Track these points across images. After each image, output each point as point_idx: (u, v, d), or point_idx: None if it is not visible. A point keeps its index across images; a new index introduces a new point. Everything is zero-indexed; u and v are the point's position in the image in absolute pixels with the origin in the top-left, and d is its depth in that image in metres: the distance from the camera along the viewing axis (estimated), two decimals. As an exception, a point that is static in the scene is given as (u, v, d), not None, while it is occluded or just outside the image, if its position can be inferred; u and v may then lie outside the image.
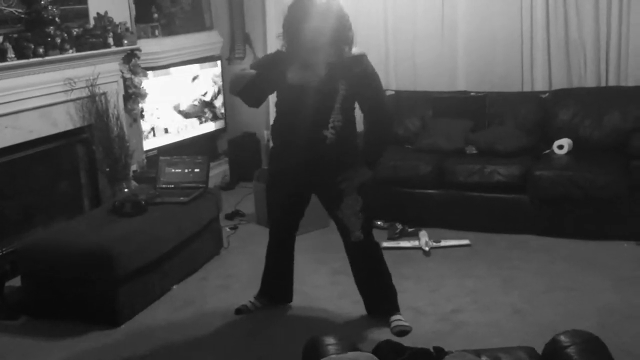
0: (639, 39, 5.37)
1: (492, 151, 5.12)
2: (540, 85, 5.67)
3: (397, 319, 3.61)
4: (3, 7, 4.26)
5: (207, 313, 3.92)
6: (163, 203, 4.35)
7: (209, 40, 6.31)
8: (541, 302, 3.85)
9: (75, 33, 4.68)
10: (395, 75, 6.17)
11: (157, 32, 5.68)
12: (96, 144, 4.94)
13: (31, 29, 4.36)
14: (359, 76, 3.39)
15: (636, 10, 5.34)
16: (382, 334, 3.44)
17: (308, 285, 4.16)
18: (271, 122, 3.76)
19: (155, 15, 5.72)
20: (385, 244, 4.64)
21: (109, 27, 4.93)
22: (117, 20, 5.02)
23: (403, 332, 3.53)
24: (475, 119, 5.48)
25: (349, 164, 3.48)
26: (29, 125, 4.45)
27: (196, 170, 4.63)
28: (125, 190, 4.92)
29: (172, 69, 5.81)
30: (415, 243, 4.75)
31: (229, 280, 4.37)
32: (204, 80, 6.17)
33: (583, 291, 3.95)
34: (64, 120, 4.72)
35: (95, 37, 4.82)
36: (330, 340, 2.30)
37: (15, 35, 4.27)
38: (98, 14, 4.93)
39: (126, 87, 5.22)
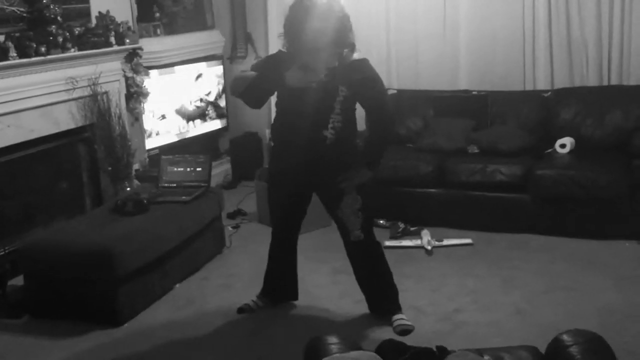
0: (640, 38, 5.38)
1: (494, 150, 5.12)
2: (542, 84, 5.67)
3: (400, 318, 3.61)
4: (5, 6, 4.26)
5: (209, 312, 3.92)
6: (165, 202, 4.35)
7: (211, 39, 6.31)
8: (542, 302, 3.85)
9: (77, 32, 4.68)
10: (396, 74, 6.17)
11: (159, 31, 5.69)
12: (98, 143, 4.95)
13: (33, 28, 4.37)
14: (359, 80, 3.40)
15: (638, 9, 5.34)
16: (384, 333, 3.44)
17: (309, 284, 4.16)
18: (272, 121, 3.76)
19: (157, 15, 5.72)
20: (387, 243, 4.65)
21: (111, 26, 4.93)
22: (119, 20, 5.02)
23: (406, 331, 3.53)
24: (477, 118, 5.48)
25: (349, 164, 3.49)
26: (31, 124, 4.45)
27: (198, 169, 4.63)
28: (127, 189, 4.92)
29: (176, 68, 5.81)
30: (417, 242, 4.75)
31: (231, 279, 4.37)
32: (207, 79, 6.17)
33: (584, 291, 3.95)
34: (65, 120, 4.73)
35: (97, 36, 4.83)
36: (332, 340, 2.30)
37: (17, 34, 4.28)
38: (100, 13, 4.94)
39: (128, 86, 5.22)
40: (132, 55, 5.18)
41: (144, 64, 5.33)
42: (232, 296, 4.07)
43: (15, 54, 4.18)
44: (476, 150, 5.23)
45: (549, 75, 5.67)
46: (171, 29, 5.90)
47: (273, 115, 3.73)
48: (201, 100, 6.12)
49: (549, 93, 5.50)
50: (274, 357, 3.43)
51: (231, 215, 5.49)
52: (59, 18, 4.47)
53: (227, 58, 6.59)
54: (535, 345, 2.40)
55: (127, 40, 5.06)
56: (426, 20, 6.00)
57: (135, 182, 5.12)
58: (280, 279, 3.91)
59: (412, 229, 4.96)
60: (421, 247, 4.69)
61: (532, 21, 5.64)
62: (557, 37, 5.60)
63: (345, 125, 3.44)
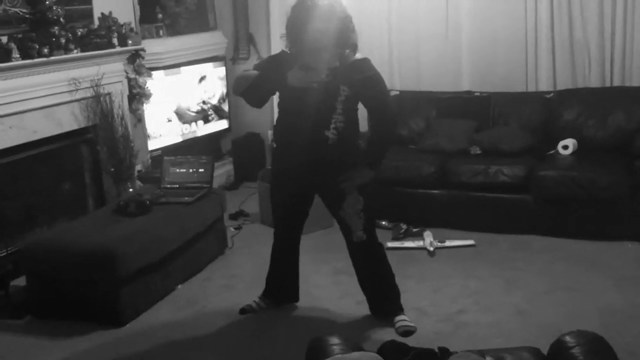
0: (643, 39, 5.38)
1: (497, 151, 5.12)
2: (544, 86, 5.67)
3: (402, 319, 3.61)
4: (8, 8, 4.26)
5: (211, 313, 3.93)
6: (167, 203, 4.36)
7: (213, 40, 6.32)
8: (544, 303, 3.85)
9: (79, 33, 4.68)
10: (399, 75, 6.17)
11: (161, 33, 5.69)
12: (101, 144, 4.95)
13: (36, 29, 4.37)
14: (361, 81, 3.40)
15: (641, 10, 5.35)
16: (386, 334, 3.44)
17: (312, 285, 4.16)
18: (275, 122, 3.76)
19: (160, 16, 5.73)
20: (389, 244, 4.65)
21: (114, 28, 4.93)
22: (121, 21, 5.02)
23: (408, 332, 3.53)
24: (479, 119, 5.48)
25: (351, 164, 3.49)
26: (34, 126, 4.46)
27: (200, 170, 4.64)
28: (130, 190, 4.93)
29: (180, 69, 5.82)
30: (419, 243, 4.75)
31: (233, 280, 4.37)
32: (211, 82, 6.17)
33: (586, 291, 3.95)
34: (68, 121, 4.73)
35: (99, 37, 4.83)
36: (334, 340, 2.30)
37: (19, 36, 4.28)
38: (102, 14, 4.94)
39: (131, 88, 5.22)
40: (134, 57, 5.18)
41: (147, 65, 5.33)
42: (234, 297, 4.08)
43: (18, 55, 4.18)
44: (478, 151, 5.23)
45: (551, 77, 5.67)
46: (174, 30, 5.90)
47: (275, 116, 3.73)
48: (204, 102, 6.12)
49: (551, 94, 5.50)
50: (275, 358, 3.43)
51: (233, 216, 5.50)
52: (61, 19, 4.47)
53: (230, 59, 6.60)
54: (537, 346, 2.40)
55: (130, 42, 5.06)
56: (428, 21, 6.00)
57: (138, 183, 5.13)
58: (282, 280, 3.91)
59: (414, 230, 4.97)
60: (423, 248, 4.69)
61: (534, 22, 5.64)
62: (560, 38, 5.60)
63: (347, 125, 3.45)
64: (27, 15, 4.36)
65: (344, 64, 3.41)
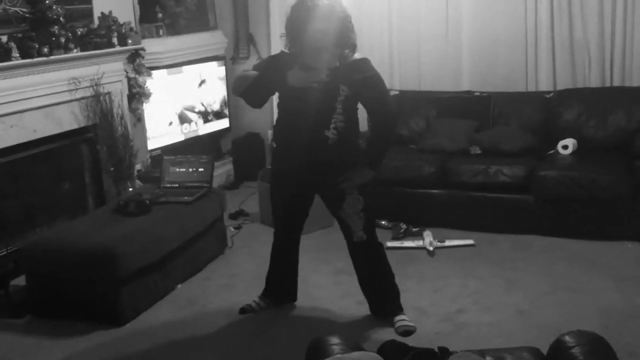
0: (643, 39, 5.38)
1: (497, 151, 5.12)
2: (544, 86, 5.67)
3: (402, 319, 3.61)
4: (8, 7, 4.26)
5: (211, 313, 3.93)
6: (167, 202, 4.35)
7: (213, 40, 6.31)
8: (544, 303, 3.85)
9: (79, 33, 4.68)
10: (399, 75, 6.17)
11: (161, 32, 5.69)
12: (100, 143, 4.95)
13: (36, 29, 4.37)
14: (362, 81, 3.39)
15: (641, 10, 5.35)
16: (386, 334, 3.44)
17: (311, 285, 4.16)
18: (274, 122, 3.76)
19: (160, 15, 5.72)
20: (389, 244, 4.65)
21: (114, 27, 4.93)
22: (121, 20, 5.02)
23: (407, 332, 3.53)
24: (480, 119, 5.48)
25: (351, 164, 3.49)
26: (33, 125, 4.46)
27: (200, 169, 4.64)
28: (130, 189, 4.93)
29: (181, 68, 5.82)
30: (419, 243, 4.75)
31: (233, 279, 4.37)
32: (211, 84, 6.16)
33: (586, 292, 3.95)
34: (68, 120, 4.73)
35: (99, 36, 4.83)
36: (334, 340, 2.30)
37: (19, 35, 4.28)
38: (102, 13, 4.94)
39: (130, 87, 5.22)
40: (134, 56, 5.18)
41: (147, 65, 5.33)
42: (234, 296, 4.07)
43: (17, 55, 4.18)
44: (478, 151, 5.23)
45: (551, 76, 5.67)
46: (174, 30, 5.90)
47: (275, 116, 3.73)
48: (203, 105, 6.12)
49: (551, 94, 5.50)
50: (275, 358, 3.43)
51: (233, 216, 5.50)
52: (61, 19, 4.47)
53: (230, 59, 6.59)
54: (537, 346, 2.40)
55: (130, 41, 5.06)
56: (428, 21, 5.99)
57: (138, 182, 5.12)
58: (282, 280, 3.91)
59: (414, 229, 4.97)
60: (423, 248, 4.68)
61: (534, 22, 5.64)
62: (560, 38, 5.60)
63: (347, 125, 3.45)
64: (27, 15, 4.36)
65: (344, 64, 3.41)
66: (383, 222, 4.97)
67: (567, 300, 3.86)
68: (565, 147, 5.11)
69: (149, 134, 5.52)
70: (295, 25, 3.38)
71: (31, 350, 3.59)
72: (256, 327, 3.74)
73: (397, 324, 3.58)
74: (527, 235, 4.80)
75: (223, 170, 6.46)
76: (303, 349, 2.41)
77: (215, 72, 6.23)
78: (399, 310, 3.67)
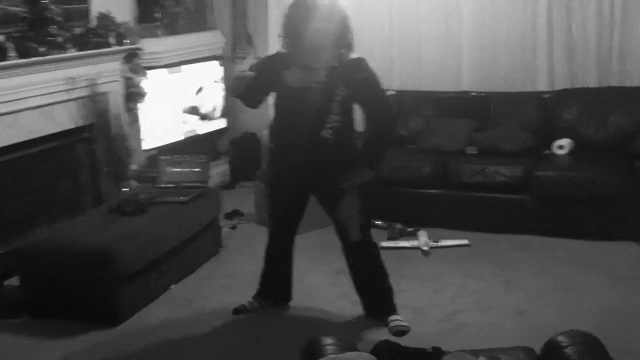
0: (641, 39, 5.37)
1: (496, 151, 5.11)
2: (543, 86, 5.66)
3: (396, 319, 3.60)
4: (5, 7, 4.25)
5: (206, 313, 3.92)
6: (163, 202, 4.34)
7: (212, 40, 6.31)
8: (542, 303, 3.84)
9: (77, 32, 4.67)
10: (399, 75, 6.15)
11: (159, 32, 5.68)
12: (97, 143, 4.94)
13: (33, 28, 4.36)
14: (359, 81, 3.39)
15: (639, 11, 5.33)
16: (380, 334, 3.43)
17: (306, 285, 4.15)
18: (270, 122, 3.75)
19: (158, 15, 5.71)
20: (384, 244, 4.63)
21: (111, 27, 4.93)
22: (119, 20, 5.01)
23: (401, 332, 3.51)
24: (479, 119, 5.48)
25: (349, 164, 3.48)
26: (30, 124, 4.45)
27: (196, 169, 4.63)
28: (126, 189, 4.91)
29: (182, 67, 5.83)
30: (414, 243, 4.74)
31: (229, 279, 4.36)
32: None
33: (585, 292, 3.94)
34: (65, 120, 4.72)
35: (97, 36, 4.82)
36: (328, 341, 2.29)
37: (17, 35, 4.27)
38: (100, 13, 4.93)
39: (127, 87, 5.21)
40: (131, 56, 5.18)
41: (145, 65, 5.32)
42: (230, 296, 4.06)
43: (15, 54, 4.17)
44: (474, 152, 5.22)
45: (549, 77, 5.66)
46: (172, 30, 5.89)
47: (272, 116, 3.72)
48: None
49: (550, 94, 5.49)
50: (270, 358, 3.42)
51: (229, 216, 5.48)
52: (59, 18, 4.46)
53: (228, 58, 6.59)
54: (535, 346, 2.39)
55: (127, 41, 5.05)
56: (428, 21, 5.98)
57: (134, 182, 5.11)
58: (276, 280, 3.90)
59: (409, 229, 4.95)
60: (418, 248, 4.67)
61: (533, 22, 5.63)
62: (558, 38, 5.58)
63: (344, 125, 3.44)
64: (24, 14, 4.34)
65: (341, 63, 3.40)
66: (378, 222, 4.96)
67: (565, 300, 3.85)
68: (561, 147, 5.10)
69: (146, 133, 5.50)
70: (294, 25, 3.37)
71: (27, 351, 3.58)
72: (251, 327, 3.73)
73: (391, 324, 3.57)
74: (526, 235, 4.79)
75: (219, 170, 6.45)
76: (297, 349, 2.40)
77: (213, 72, 6.21)
78: (393, 310, 3.66)
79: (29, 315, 3.91)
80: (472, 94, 5.70)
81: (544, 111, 5.39)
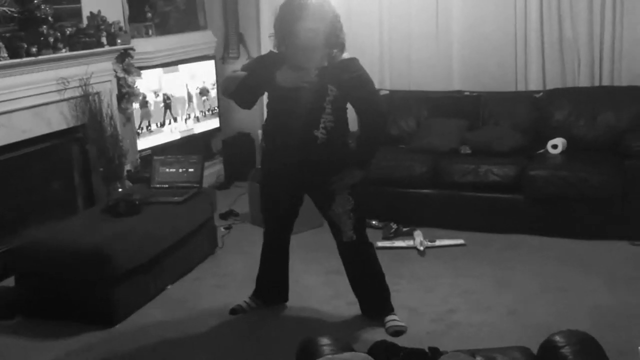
0: (632, 38, 5.40)
1: (488, 151, 5.12)
2: (534, 85, 5.68)
3: (392, 319, 3.61)
4: (-4, 6, 4.24)
5: (202, 313, 3.91)
6: (157, 203, 4.33)
7: (203, 39, 6.30)
8: (536, 302, 3.85)
9: (68, 32, 4.65)
10: (390, 75, 6.17)
11: (150, 32, 5.67)
12: (90, 143, 4.92)
13: (24, 28, 4.34)
14: (350, 81, 3.39)
15: (630, 10, 5.37)
16: (376, 334, 3.44)
17: (302, 285, 4.15)
18: (264, 122, 3.75)
19: (149, 15, 5.70)
20: (379, 244, 4.64)
21: (102, 27, 4.91)
22: (110, 20, 5.00)
23: (398, 332, 3.52)
24: (470, 119, 5.49)
25: (341, 163, 3.48)
26: (22, 125, 4.43)
27: (190, 170, 4.62)
28: (120, 190, 4.90)
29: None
30: (410, 243, 4.75)
31: (224, 280, 4.36)
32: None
33: (577, 291, 3.96)
34: (57, 120, 4.71)
35: (88, 36, 4.80)
36: (324, 341, 2.29)
37: (8, 35, 4.25)
38: (91, 13, 4.91)
39: (120, 87, 5.20)
40: (123, 56, 5.16)
41: (136, 65, 5.30)
42: (225, 297, 4.06)
43: (6, 55, 4.15)
44: (468, 151, 5.23)
45: (541, 76, 5.68)
46: (163, 30, 5.88)
47: (265, 116, 3.72)
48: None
49: (541, 94, 5.51)
50: (267, 358, 3.42)
51: (223, 216, 5.48)
52: (50, 18, 4.44)
53: (220, 58, 6.58)
54: (529, 345, 2.40)
55: (119, 41, 5.04)
56: (419, 20, 5.99)
57: (127, 182, 5.10)
58: (273, 280, 3.90)
59: (404, 229, 4.96)
60: (413, 247, 4.68)
61: (524, 22, 5.65)
62: (549, 38, 5.61)
63: (337, 125, 3.44)
64: (15, 14, 4.32)
65: (332, 63, 3.40)
66: (374, 222, 4.97)
67: (558, 300, 3.87)
68: (554, 146, 5.12)
69: (140, 132, 5.50)
70: (285, 25, 3.37)
71: (22, 352, 3.57)
72: (247, 327, 3.73)
73: (388, 324, 3.58)
74: (518, 235, 4.81)
75: (213, 170, 6.45)
76: (293, 350, 2.40)
77: (207, 72, 6.20)
78: (390, 310, 3.67)
79: (23, 315, 3.90)
80: (466, 93, 5.71)
81: (536, 111, 5.40)
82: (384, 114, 3.67)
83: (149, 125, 5.55)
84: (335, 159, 3.47)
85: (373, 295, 3.71)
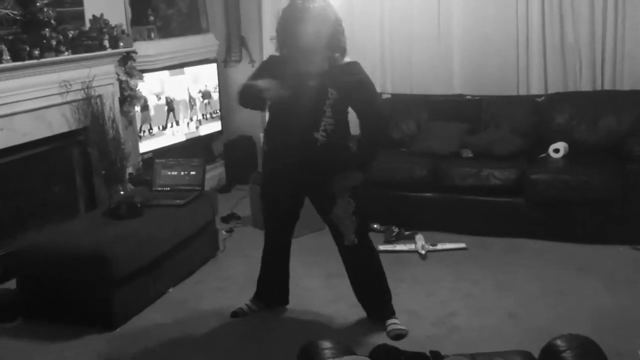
0: (634, 42, 5.40)
1: (488, 154, 5.12)
2: (535, 89, 5.68)
3: (393, 323, 3.61)
4: (-1, 9, 4.25)
5: (203, 316, 3.91)
6: (159, 206, 4.34)
7: (205, 43, 6.31)
8: (536, 306, 3.85)
9: (70, 35, 4.66)
10: (391, 78, 6.17)
11: (153, 35, 5.68)
12: (91, 146, 4.93)
13: (27, 31, 4.35)
14: (351, 84, 3.40)
15: (631, 13, 5.37)
16: (378, 338, 3.44)
17: (303, 288, 4.15)
18: (266, 125, 3.76)
19: (152, 18, 5.71)
20: (381, 247, 4.64)
21: (105, 30, 4.92)
22: (112, 23, 5.01)
23: (399, 335, 3.52)
24: (471, 123, 5.49)
25: (341, 164, 3.48)
26: (24, 128, 4.44)
27: (192, 172, 4.63)
28: (121, 192, 4.91)
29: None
30: (411, 246, 4.75)
31: (225, 283, 4.36)
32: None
33: (578, 295, 3.96)
34: (59, 123, 4.71)
35: (90, 39, 4.82)
36: (325, 345, 2.30)
37: (10, 37, 4.26)
38: (94, 16, 4.92)
39: (122, 90, 5.21)
40: (126, 59, 5.17)
41: (138, 68, 5.31)
42: (226, 300, 4.06)
43: (8, 57, 4.16)
44: (470, 155, 5.24)
45: (542, 80, 5.68)
46: (165, 33, 5.89)
47: (267, 119, 3.73)
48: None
49: (543, 97, 5.51)
50: (267, 362, 3.43)
51: (225, 219, 5.49)
52: (52, 21, 4.45)
53: (222, 61, 6.59)
54: (529, 349, 2.40)
55: (121, 44, 5.05)
56: (420, 24, 5.99)
57: (129, 185, 5.11)
58: (273, 283, 3.90)
59: (406, 233, 4.96)
60: (415, 251, 4.68)
61: (525, 26, 5.65)
62: (551, 42, 5.61)
63: (337, 128, 3.44)
64: (18, 17, 4.33)
65: (333, 67, 3.41)
66: (375, 226, 4.97)
67: (558, 304, 3.87)
68: (556, 150, 5.12)
69: (142, 135, 5.51)
70: (286, 27, 3.39)
71: (23, 354, 3.57)
72: (248, 330, 3.73)
73: (389, 328, 3.58)
74: (519, 239, 4.80)
75: (215, 173, 6.45)
76: (294, 353, 2.40)
77: (207, 75, 6.21)
78: (391, 313, 3.67)
79: (24, 318, 3.90)
80: (467, 97, 5.71)
81: (537, 114, 5.40)
82: (385, 117, 3.68)
83: (151, 128, 5.56)
84: (335, 159, 3.47)
85: (375, 298, 3.70)
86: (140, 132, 5.46)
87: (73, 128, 4.83)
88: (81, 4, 4.92)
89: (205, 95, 6.16)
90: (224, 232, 5.18)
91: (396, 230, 4.96)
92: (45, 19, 4.39)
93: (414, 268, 4.47)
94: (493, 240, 4.82)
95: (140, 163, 5.46)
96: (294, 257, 3.91)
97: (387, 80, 6.14)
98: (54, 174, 4.90)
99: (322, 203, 3.59)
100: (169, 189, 4.59)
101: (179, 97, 5.87)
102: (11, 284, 4.07)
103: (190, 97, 6.00)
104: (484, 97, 5.62)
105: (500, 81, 5.79)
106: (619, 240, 4.62)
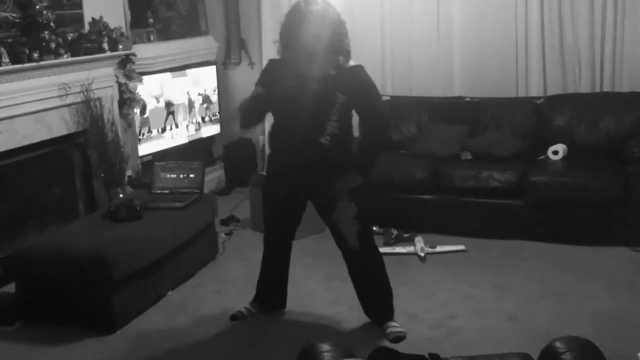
0: (633, 44, 5.40)
1: (488, 156, 5.12)
2: (535, 91, 5.68)
3: (392, 325, 3.60)
4: (-2, 12, 4.25)
5: (202, 319, 3.91)
6: (158, 208, 4.34)
7: (205, 45, 6.31)
8: (536, 308, 3.85)
9: (70, 38, 4.66)
10: (391, 80, 6.17)
11: (152, 37, 5.68)
12: (91, 149, 4.93)
13: (26, 34, 4.35)
14: (356, 88, 3.40)
15: (631, 15, 5.38)
16: (377, 341, 3.44)
17: (303, 291, 4.15)
18: (266, 127, 3.77)
19: (151, 20, 5.71)
20: (380, 250, 4.62)
21: (104, 32, 4.92)
22: (112, 25, 5.01)
23: (398, 338, 3.52)
24: (471, 125, 5.49)
25: (342, 167, 3.48)
26: (24, 130, 4.44)
27: (191, 175, 4.63)
28: (120, 195, 4.91)
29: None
30: (410, 249, 4.75)
31: (224, 285, 4.36)
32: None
33: (577, 297, 3.96)
34: (58, 126, 4.71)
35: (90, 42, 4.82)
36: (325, 347, 2.29)
37: (9, 40, 4.26)
38: (93, 18, 4.92)
39: (121, 92, 5.21)
40: (125, 62, 5.17)
41: (138, 70, 5.31)
42: (226, 302, 4.06)
43: (7, 60, 4.16)
44: (469, 157, 5.24)
45: (541, 82, 5.69)
46: (165, 35, 5.90)
47: (266, 121, 3.73)
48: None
49: (542, 99, 5.51)
50: (267, 364, 3.42)
51: (224, 222, 5.48)
52: (51, 24, 4.45)
53: (221, 64, 6.59)
54: (529, 351, 2.39)
55: (120, 46, 5.04)
56: (420, 26, 5.99)
57: (128, 188, 5.11)
58: (272, 287, 3.90)
59: (405, 235, 4.96)
60: (414, 253, 4.68)
61: (525, 28, 5.66)
62: (550, 44, 5.61)
63: (342, 131, 3.45)
64: (17, 20, 4.34)
65: (339, 71, 3.41)
66: (375, 228, 4.96)
67: (558, 306, 3.87)
68: (555, 152, 5.12)
69: (143, 138, 5.51)
70: (289, 30, 3.40)
71: (22, 358, 3.57)
72: (247, 333, 3.72)
73: (388, 330, 3.57)
74: (518, 241, 4.80)
75: (214, 176, 6.45)
76: (294, 355, 2.40)
77: (207, 78, 6.21)
78: (391, 316, 3.66)
79: (23, 321, 3.89)
80: (467, 99, 5.72)
81: (537, 116, 5.41)
82: (387, 119, 3.68)
83: (150, 131, 5.55)
84: (335, 160, 3.47)
85: (377, 300, 3.70)
86: (139, 135, 5.46)
87: (72, 131, 4.83)
88: (80, 6, 4.92)
89: (205, 100, 6.16)
90: (223, 235, 5.18)
91: (395, 232, 4.96)
92: (45, 22, 4.39)
93: (413, 270, 4.47)
94: (492, 242, 4.82)
95: (140, 166, 5.46)
96: (294, 259, 3.91)
97: (387, 82, 6.14)
98: (53, 176, 4.89)
99: (322, 204, 3.59)
100: (168, 191, 4.59)
101: (178, 100, 5.87)
102: (10, 288, 4.06)
103: (190, 100, 6.00)
104: (484, 99, 5.63)
105: (500, 83, 5.80)
106: (618, 242, 4.62)
